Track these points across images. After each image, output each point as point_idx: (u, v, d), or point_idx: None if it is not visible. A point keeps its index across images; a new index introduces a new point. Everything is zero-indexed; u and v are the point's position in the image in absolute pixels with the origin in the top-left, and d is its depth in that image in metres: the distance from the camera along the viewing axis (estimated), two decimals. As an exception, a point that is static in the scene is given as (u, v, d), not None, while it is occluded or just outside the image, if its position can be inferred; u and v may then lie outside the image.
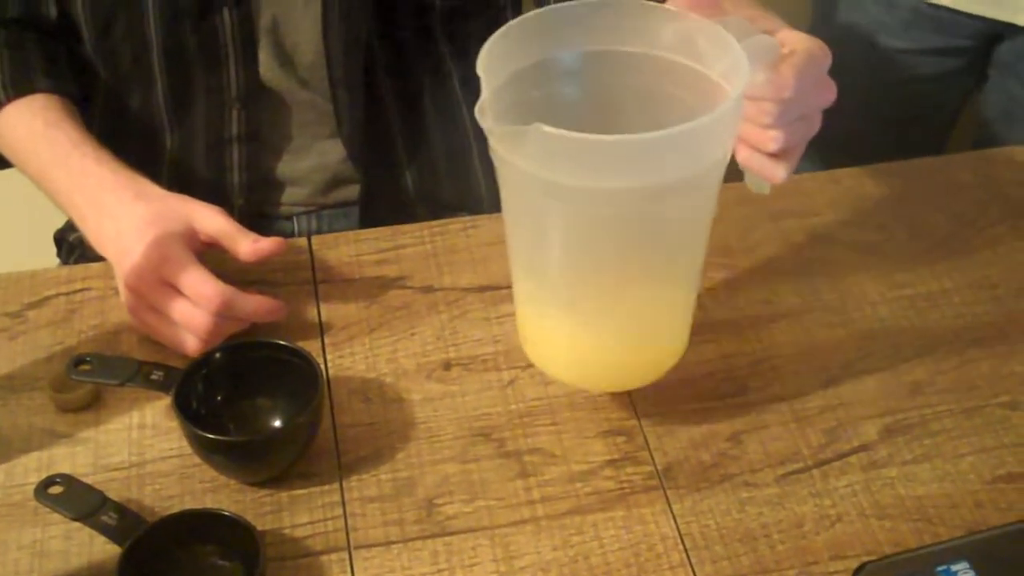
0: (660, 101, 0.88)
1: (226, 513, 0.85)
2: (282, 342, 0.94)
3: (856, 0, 1.46)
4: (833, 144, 1.53)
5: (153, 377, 0.93)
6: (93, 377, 0.94)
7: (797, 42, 0.87)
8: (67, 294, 1.05)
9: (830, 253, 1.09)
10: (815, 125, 0.90)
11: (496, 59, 0.83)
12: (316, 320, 1.03)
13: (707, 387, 0.98)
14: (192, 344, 0.96)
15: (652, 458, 0.93)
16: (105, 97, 1.19)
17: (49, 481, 0.87)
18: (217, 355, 0.94)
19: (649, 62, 0.88)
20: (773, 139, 0.87)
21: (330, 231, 1.23)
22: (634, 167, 0.80)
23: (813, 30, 1.52)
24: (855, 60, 1.47)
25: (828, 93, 0.89)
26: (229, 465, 0.90)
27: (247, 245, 1.00)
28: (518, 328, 0.96)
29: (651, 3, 0.87)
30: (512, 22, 0.85)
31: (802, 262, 1.08)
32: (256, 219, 1.20)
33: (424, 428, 0.95)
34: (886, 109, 1.50)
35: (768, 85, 0.84)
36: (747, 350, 1.01)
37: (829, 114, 1.51)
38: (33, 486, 0.88)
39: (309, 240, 1.10)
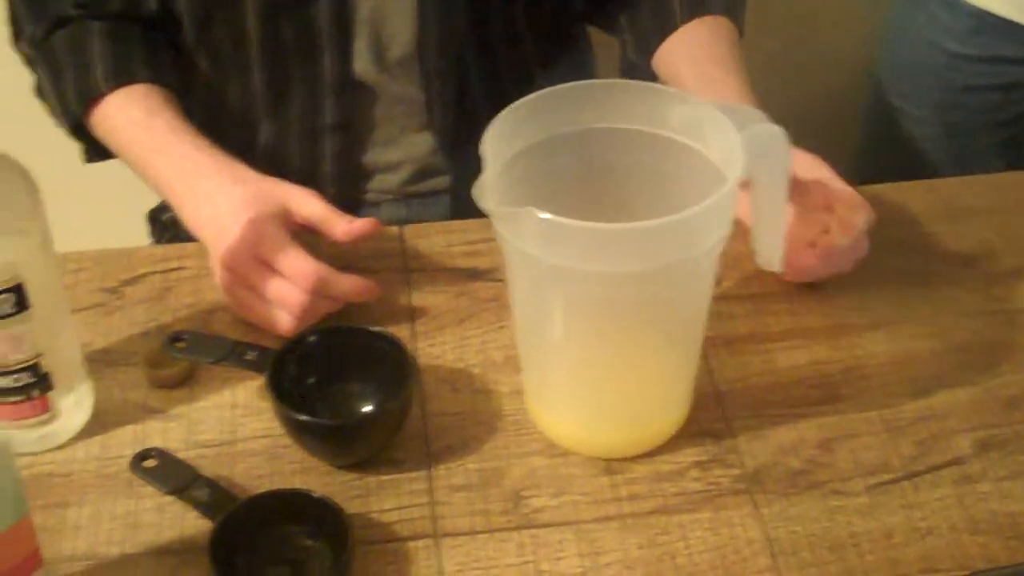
0: (662, 179, 0.91)
1: (316, 495, 0.86)
2: (375, 328, 0.95)
3: (923, 3, 1.45)
4: (906, 148, 1.52)
5: (247, 357, 0.93)
6: (189, 354, 0.95)
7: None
8: (163, 272, 1.06)
9: (926, 263, 1.08)
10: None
11: (501, 139, 0.86)
12: (406, 308, 1.03)
13: (797, 393, 0.97)
14: (286, 323, 0.97)
15: (740, 461, 0.92)
16: (204, 88, 1.20)
17: (144, 455, 0.88)
18: (311, 338, 0.94)
19: (653, 140, 0.90)
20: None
21: (419, 219, 1.24)
22: (629, 253, 0.82)
23: (886, 34, 1.52)
24: (923, 64, 1.47)
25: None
26: (320, 447, 0.91)
27: (342, 226, 1.00)
28: (524, 391, 0.96)
29: (659, 85, 0.91)
30: (517, 102, 0.88)
31: (898, 271, 1.07)
32: (346, 207, 1.21)
33: (512, 420, 0.95)
34: (955, 115, 1.49)
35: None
36: (839, 357, 1.00)
37: (902, 118, 1.51)
38: (127, 459, 0.89)
39: (401, 229, 1.10)
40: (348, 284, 0.99)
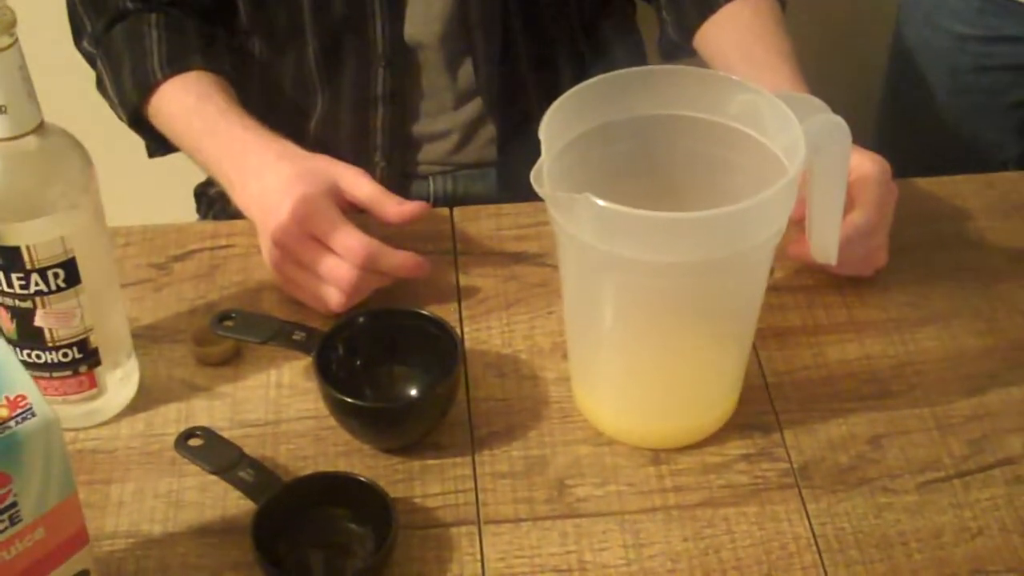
0: (720, 167, 0.90)
1: (362, 479, 0.85)
2: (424, 312, 0.94)
3: None
4: (921, 132, 1.50)
5: (295, 337, 0.93)
6: (236, 333, 0.94)
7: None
8: (212, 249, 1.06)
9: (983, 258, 1.06)
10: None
11: (558, 124, 0.85)
12: (454, 291, 1.03)
13: (848, 387, 0.96)
14: (335, 299, 0.97)
15: (788, 455, 0.91)
16: (258, 70, 1.22)
17: (189, 433, 0.88)
18: (359, 320, 0.94)
19: (712, 128, 0.89)
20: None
21: (466, 193, 1.24)
22: (684, 243, 0.81)
23: (899, 18, 1.51)
24: (933, 47, 1.45)
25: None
26: (365, 430, 0.90)
27: (393, 207, 1.00)
28: (571, 379, 0.96)
29: (718, 72, 0.90)
30: (575, 88, 0.87)
31: (953, 266, 1.05)
32: (395, 180, 1.22)
33: (558, 408, 0.94)
34: (967, 98, 1.47)
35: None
36: (891, 352, 0.98)
37: (916, 101, 1.50)
38: (171, 436, 0.89)
39: (451, 211, 1.10)
40: (399, 259, 0.99)
